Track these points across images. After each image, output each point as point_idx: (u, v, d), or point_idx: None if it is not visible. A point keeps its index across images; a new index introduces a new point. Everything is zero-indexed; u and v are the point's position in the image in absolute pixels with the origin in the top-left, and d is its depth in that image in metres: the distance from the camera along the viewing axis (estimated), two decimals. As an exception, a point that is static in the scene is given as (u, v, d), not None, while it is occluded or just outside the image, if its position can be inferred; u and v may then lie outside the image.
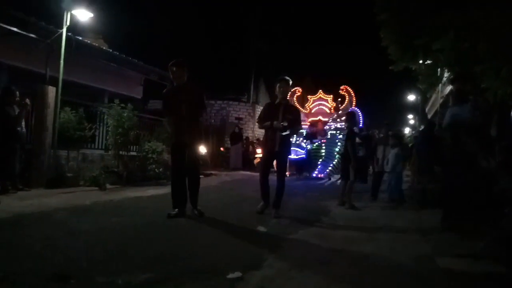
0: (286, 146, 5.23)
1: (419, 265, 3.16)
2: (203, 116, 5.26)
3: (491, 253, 3.43)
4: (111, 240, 3.48)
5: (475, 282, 2.83)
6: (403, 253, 3.53)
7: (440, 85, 10.21)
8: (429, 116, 20.84)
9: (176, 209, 4.66)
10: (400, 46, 6.84)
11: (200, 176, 5.43)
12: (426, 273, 3.00)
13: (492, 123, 5.56)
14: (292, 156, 11.93)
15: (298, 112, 5.55)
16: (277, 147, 5.06)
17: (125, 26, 16.37)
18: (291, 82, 5.27)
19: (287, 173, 12.85)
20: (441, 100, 13.62)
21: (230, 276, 2.65)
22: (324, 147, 12.89)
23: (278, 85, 5.20)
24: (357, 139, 10.71)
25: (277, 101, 5.25)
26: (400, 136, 7.26)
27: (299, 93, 14.71)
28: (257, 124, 5.65)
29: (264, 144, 5.51)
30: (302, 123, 13.62)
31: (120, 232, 3.81)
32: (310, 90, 15.97)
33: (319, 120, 14.48)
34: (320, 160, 12.78)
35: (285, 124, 4.99)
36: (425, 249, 3.71)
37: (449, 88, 9.66)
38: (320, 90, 15.25)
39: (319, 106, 15.05)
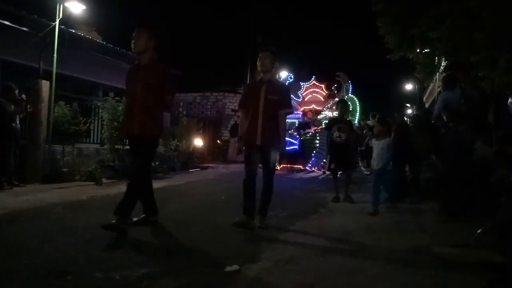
0: (271, 137, 3.96)
1: (417, 255, 3.18)
2: (168, 104, 3.89)
3: (487, 242, 3.45)
4: (108, 235, 3.44)
5: (471, 271, 2.85)
6: (400, 243, 3.54)
7: (437, 74, 10.19)
8: (426, 105, 20.84)
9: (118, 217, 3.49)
10: (397, 35, 6.80)
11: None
12: (423, 262, 3.01)
13: (489, 112, 5.56)
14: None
15: (285, 90, 4.25)
16: (259, 139, 3.90)
17: (119, 17, 16.20)
18: (274, 53, 4.06)
19: (277, 167, 12.29)
20: (438, 89, 13.61)
21: (228, 269, 2.66)
22: (318, 138, 11.83)
23: (258, 57, 4.06)
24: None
25: (259, 78, 4.16)
26: (388, 121, 5.54)
27: (291, 80, 14.18)
28: (239, 112, 4.34)
29: (245, 136, 4.15)
30: (294, 112, 13.24)
31: (117, 227, 3.79)
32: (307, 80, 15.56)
33: (313, 108, 13.83)
34: (314, 152, 11.86)
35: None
36: (423, 239, 3.72)
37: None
38: (314, 77, 14.57)
39: (313, 94, 14.37)
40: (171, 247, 3.17)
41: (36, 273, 2.49)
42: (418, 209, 5.41)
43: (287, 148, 11.17)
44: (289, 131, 11.93)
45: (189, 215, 4.52)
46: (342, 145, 5.84)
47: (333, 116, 6.36)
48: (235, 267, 2.69)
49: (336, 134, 5.82)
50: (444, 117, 4.52)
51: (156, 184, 7.14)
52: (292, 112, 4.25)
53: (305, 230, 3.99)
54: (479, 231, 3.62)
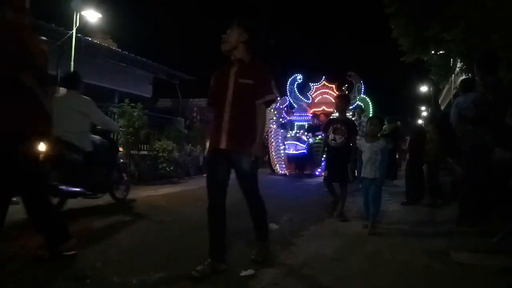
0: (241, 138, 2.86)
1: (434, 260, 3.12)
2: (32, 81, 2.60)
3: (506, 247, 3.38)
4: (125, 240, 3.51)
5: (490, 276, 2.79)
6: (417, 248, 3.49)
7: (453, 75, 10.04)
8: (442, 108, 20.54)
9: None
10: (411, 38, 6.75)
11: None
12: (441, 267, 2.96)
13: (506, 114, 5.44)
14: (291, 151, 10.72)
15: (264, 71, 2.93)
16: (223, 142, 2.85)
17: (133, 25, 16.48)
18: (243, 24, 2.88)
19: (285, 171, 11.05)
20: (454, 91, 13.40)
21: (243, 273, 2.67)
22: None
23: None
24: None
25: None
26: (384, 123, 4.84)
27: (300, 81, 13.68)
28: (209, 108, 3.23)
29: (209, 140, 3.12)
30: (302, 113, 12.62)
31: (133, 231, 3.85)
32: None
33: (323, 110, 13.06)
34: (324, 156, 11.22)
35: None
36: (440, 244, 3.65)
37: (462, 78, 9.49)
38: (324, 77, 14.07)
39: (323, 95, 13.79)
40: (187, 251, 3.20)
41: (54, 277, 2.54)
42: (435, 213, 5.33)
43: (295, 152, 10.67)
44: (297, 134, 11.49)
45: (204, 220, 4.50)
46: (337, 150, 4.84)
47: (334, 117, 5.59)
48: (250, 271, 2.70)
49: (331, 136, 4.88)
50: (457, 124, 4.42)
51: (171, 189, 7.28)
52: (275, 99, 3.04)
53: (320, 234, 3.97)
54: (498, 235, 3.55)
